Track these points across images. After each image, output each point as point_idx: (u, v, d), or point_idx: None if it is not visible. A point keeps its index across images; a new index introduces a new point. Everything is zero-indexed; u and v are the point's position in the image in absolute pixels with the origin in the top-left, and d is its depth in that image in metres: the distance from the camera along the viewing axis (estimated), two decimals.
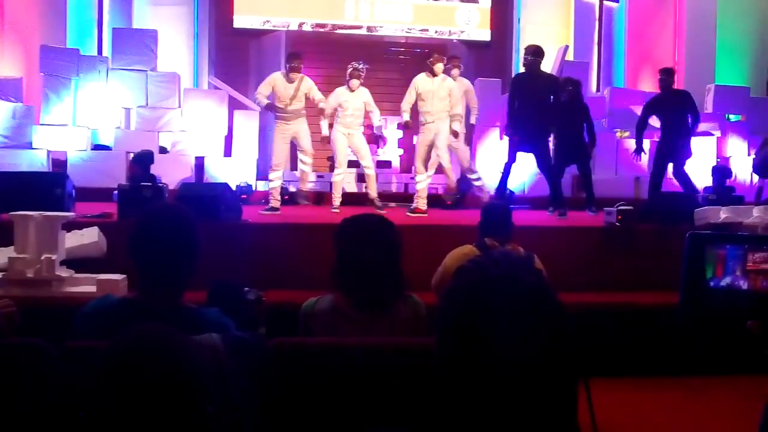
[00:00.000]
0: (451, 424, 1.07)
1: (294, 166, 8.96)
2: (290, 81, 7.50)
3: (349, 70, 7.74)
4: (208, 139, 9.83)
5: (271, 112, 7.67)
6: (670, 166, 8.18)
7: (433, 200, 9.35)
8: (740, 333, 2.03)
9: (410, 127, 8.01)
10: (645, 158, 8.84)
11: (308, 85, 7.61)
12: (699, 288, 1.82)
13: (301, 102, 7.59)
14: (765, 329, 2.15)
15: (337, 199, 7.75)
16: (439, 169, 8.09)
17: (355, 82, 7.72)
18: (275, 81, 7.56)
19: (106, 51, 10.50)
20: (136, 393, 1.22)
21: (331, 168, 8.43)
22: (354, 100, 7.73)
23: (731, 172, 9.65)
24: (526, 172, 9.32)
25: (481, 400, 1.04)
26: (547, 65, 11.24)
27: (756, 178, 9.33)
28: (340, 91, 7.81)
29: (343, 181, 8.06)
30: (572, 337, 1.06)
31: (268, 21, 11.54)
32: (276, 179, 7.53)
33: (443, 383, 1.08)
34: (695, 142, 8.45)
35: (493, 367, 1.03)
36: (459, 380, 1.06)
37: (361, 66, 7.74)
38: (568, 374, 1.06)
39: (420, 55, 11.75)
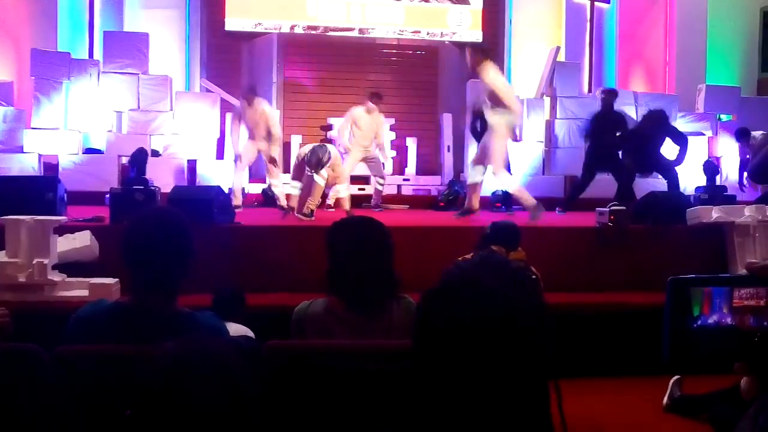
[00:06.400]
0: (432, 424, 1.08)
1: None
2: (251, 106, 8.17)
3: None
4: (200, 142, 9.80)
5: None
6: None
7: (427, 201, 9.33)
8: (728, 372, 2.04)
9: None
10: None
11: (265, 115, 8.23)
12: (685, 329, 1.80)
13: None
14: (751, 369, 2.16)
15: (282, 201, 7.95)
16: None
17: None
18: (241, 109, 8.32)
19: (98, 54, 10.46)
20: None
21: None
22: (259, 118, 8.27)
23: (719, 170, 9.66)
24: (519, 174, 9.33)
25: (456, 399, 1.06)
26: (539, 67, 11.30)
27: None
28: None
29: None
30: (547, 339, 1.08)
31: (259, 23, 11.52)
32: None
33: (419, 382, 1.10)
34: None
35: (465, 367, 1.05)
36: (433, 380, 1.09)
37: None
38: (540, 375, 1.08)
39: (412, 57, 11.76)
